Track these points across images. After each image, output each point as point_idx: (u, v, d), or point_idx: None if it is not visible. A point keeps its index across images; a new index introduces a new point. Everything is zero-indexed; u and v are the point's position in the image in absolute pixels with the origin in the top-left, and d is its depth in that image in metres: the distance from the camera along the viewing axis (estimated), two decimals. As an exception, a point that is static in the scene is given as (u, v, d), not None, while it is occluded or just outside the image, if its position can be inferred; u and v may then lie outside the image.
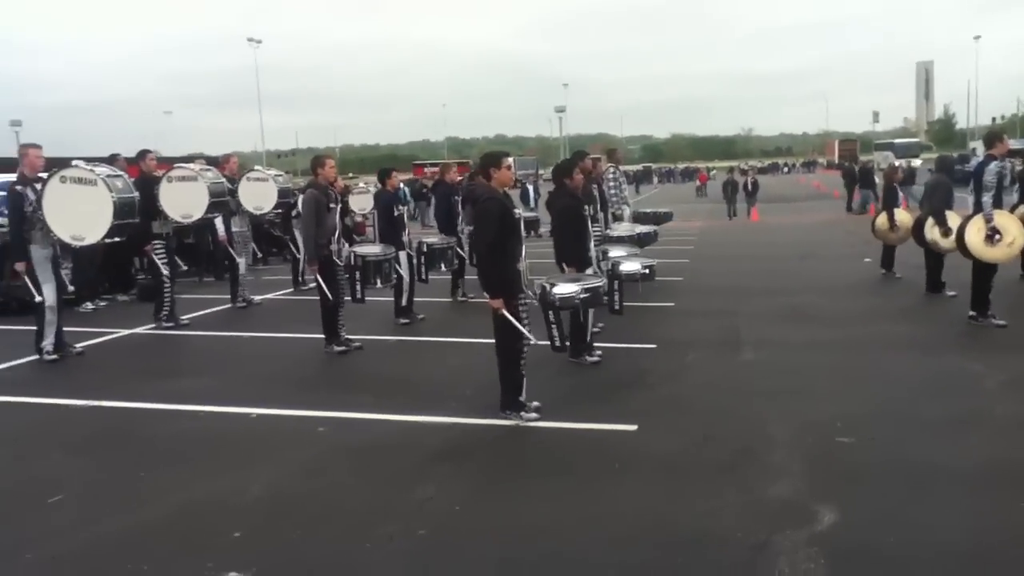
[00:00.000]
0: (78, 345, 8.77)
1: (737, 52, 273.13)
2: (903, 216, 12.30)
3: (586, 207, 7.97)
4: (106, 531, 4.36)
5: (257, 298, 11.78)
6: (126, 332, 9.80)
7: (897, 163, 23.35)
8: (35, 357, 8.36)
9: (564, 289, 6.77)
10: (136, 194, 8.91)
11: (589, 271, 7.76)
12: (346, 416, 6.22)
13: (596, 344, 7.88)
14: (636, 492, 4.75)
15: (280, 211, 13.22)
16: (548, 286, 6.79)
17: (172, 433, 6.09)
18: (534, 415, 6.02)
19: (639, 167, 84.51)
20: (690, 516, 4.38)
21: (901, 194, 12.75)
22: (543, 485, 4.93)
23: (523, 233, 6.22)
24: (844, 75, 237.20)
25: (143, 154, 10.57)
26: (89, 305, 11.46)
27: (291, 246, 13.67)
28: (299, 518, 4.48)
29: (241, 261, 11.66)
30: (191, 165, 10.87)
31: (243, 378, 7.66)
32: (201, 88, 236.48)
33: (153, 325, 9.96)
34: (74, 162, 8.70)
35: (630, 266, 8.52)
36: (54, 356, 8.32)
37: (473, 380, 7.13)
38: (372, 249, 9.34)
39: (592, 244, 8.14)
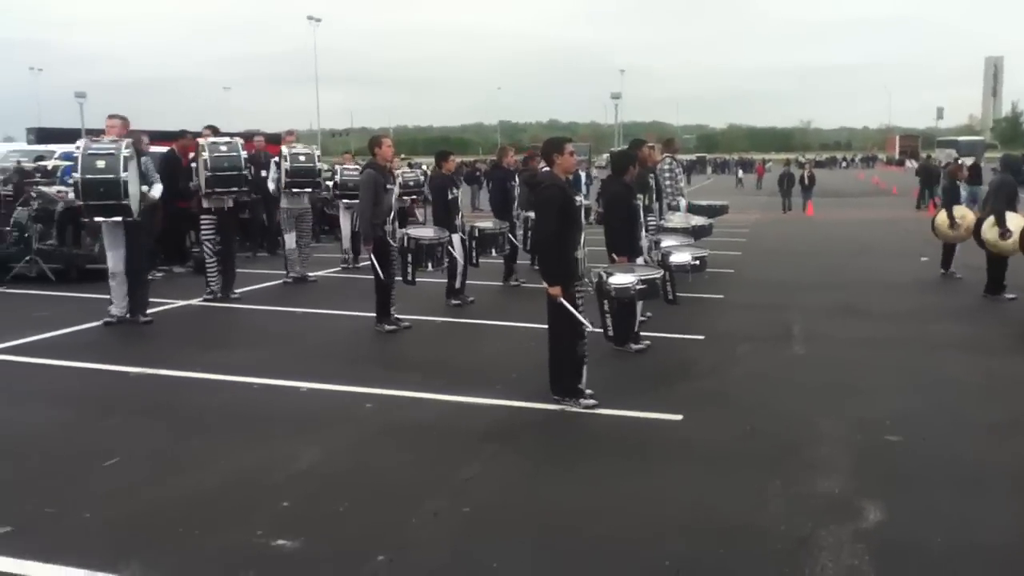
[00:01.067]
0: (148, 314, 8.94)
1: (799, 44, 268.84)
2: (965, 214, 12.02)
3: (638, 196, 7.93)
4: (159, 495, 4.49)
5: (311, 275, 11.90)
6: (182, 303, 10.01)
7: (960, 160, 22.81)
8: (94, 324, 8.60)
9: (621, 280, 6.72)
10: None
11: (640, 261, 7.72)
12: (394, 394, 6.30)
13: (643, 333, 7.86)
14: (680, 481, 4.76)
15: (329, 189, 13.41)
16: (605, 275, 6.76)
17: (224, 403, 6.22)
18: (592, 402, 5.98)
19: (693, 157, 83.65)
20: (734, 507, 4.37)
21: (963, 193, 12.43)
22: (587, 470, 4.95)
23: (583, 221, 6.13)
24: (909, 69, 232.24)
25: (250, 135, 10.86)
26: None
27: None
28: (346, 491, 4.56)
29: (289, 236, 11.84)
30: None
31: (293, 352, 7.79)
32: (260, 66, 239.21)
33: (202, 297, 10.16)
34: (112, 138, 8.86)
35: (680, 256, 8.47)
36: (108, 319, 8.63)
37: (520, 364, 7.18)
38: (426, 232, 9.37)
39: (643, 234, 8.10)
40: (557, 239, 5.94)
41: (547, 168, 6.47)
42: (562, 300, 5.91)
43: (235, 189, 10.06)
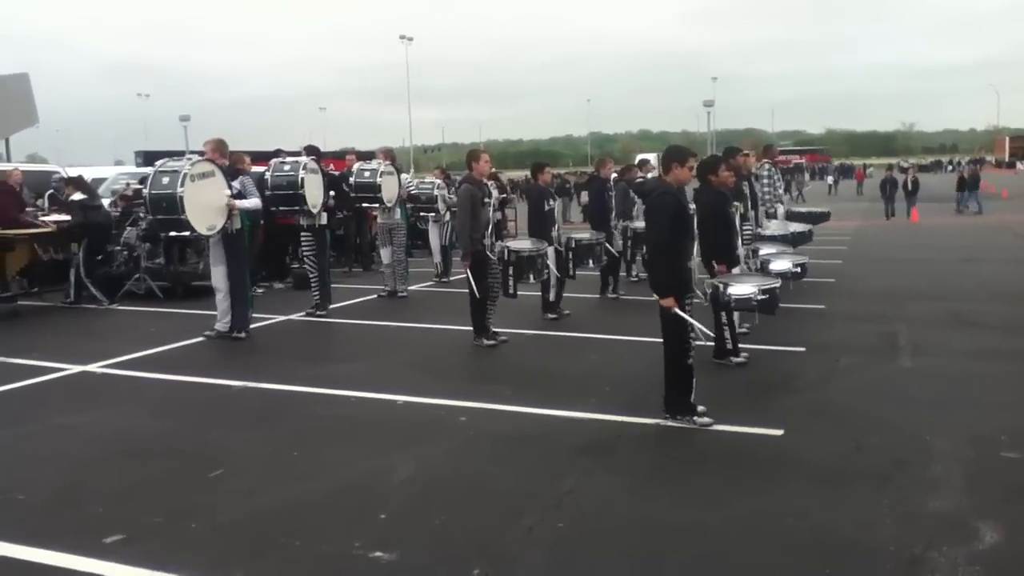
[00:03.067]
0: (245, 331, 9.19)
1: (900, 44, 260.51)
2: None
3: (735, 205, 7.76)
4: (260, 506, 4.59)
5: (401, 290, 12.04)
6: (282, 318, 10.27)
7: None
8: (198, 339, 8.90)
9: (741, 290, 6.51)
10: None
11: (736, 270, 7.56)
12: (488, 407, 6.31)
13: (742, 345, 7.68)
14: (784, 498, 4.61)
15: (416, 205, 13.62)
16: (722, 286, 6.59)
17: (322, 416, 6.33)
18: (707, 420, 5.80)
19: (790, 164, 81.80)
20: (840, 525, 4.21)
21: None
22: (685, 486, 4.86)
23: (695, 230, 5.98)
24: (1018, 68, 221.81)
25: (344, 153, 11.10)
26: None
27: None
28: (441, 504, 4.57)
29: (385, 252, 12.06)
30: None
31: (389, 366, 7.89)
32: (356, 84, 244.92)
33: (306, 312, 10.38)
34: (188, 156, 9.20)
35: (779, 264, 8.25)
36: (208, 332, 8.98)
37: (615, 377, 7.11)
38: (524, 244, 9.37)
39: (740, 242, 7.92)
40: (671, 248, 5.78)
41: (650, 176, 6.40)
42: (677, 311, 5.73)
43: (297, 208, 10.23)
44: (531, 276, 9.05)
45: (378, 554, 3.96)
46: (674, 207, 5.79)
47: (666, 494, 4.74)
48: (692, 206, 5.95)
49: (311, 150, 11.16)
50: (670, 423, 5.83)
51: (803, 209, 14.37)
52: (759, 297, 6.39)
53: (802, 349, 8.03)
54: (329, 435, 5.89)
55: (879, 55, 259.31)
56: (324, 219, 10.41)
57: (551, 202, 10.07)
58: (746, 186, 9.40)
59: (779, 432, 5.61)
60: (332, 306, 10.63)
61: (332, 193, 10.92)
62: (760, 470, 5.07)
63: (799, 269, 8.30)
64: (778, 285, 6.71)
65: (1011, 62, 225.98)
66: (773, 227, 10.76)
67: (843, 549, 3.96)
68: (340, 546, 4.07)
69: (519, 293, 9.13)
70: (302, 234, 10.46)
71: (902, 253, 17.17)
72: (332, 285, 10.86)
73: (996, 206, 31.09)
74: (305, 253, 10.52)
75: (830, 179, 52.61)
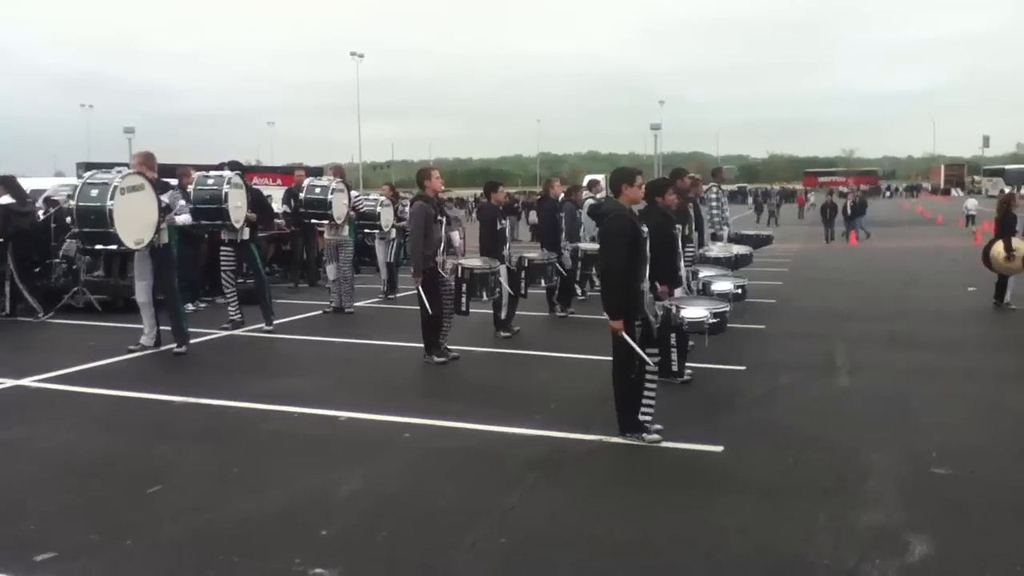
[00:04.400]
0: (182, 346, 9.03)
1: (841, 72, 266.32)
2: (1021, 244, 11.80)
3: (677, 226, 7.85)
4: (200, 523, 4.51)
5: (347, 306, 11.95)
6: (224, 333, 10.13)
7: (1007, 189, 22.45)
8: (139, 354, 8.74)
9: (694, 313, 6.55)
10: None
11: (678, 291, 7.65)
12: (433, 423, 6.29)
13: (686, 363, 7.77)
14: (724, 514, 4.67)
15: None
16: (674, 308, 6.65)
17: (264, 432, 6.26)
18: (656, 437, 5.85)
19: (734, 187, 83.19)
20: (780, 540, 4.29)
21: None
22: (628, 502, 4.90)
23: (647, 253, 5.99)
24: (953, 98, 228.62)
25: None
26: (190, 306, 11.89)
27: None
28: (384, 520, 4.55)
29: (331, 268, 12.02)
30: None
31: (332, 382, 7.84)
32: (306, 99, 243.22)
33: (221, 327, 10.28)
34: (116, 169, 9.08)
35: (721, 286, 8.38)
36: (132, 347, 8.86)
37: (562, 394, 7.16)
38: (476, 262, 9.39)
39: (682, 263, 8.03)
40: (623, 271, 5.80)
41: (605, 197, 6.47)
42: (624, 335, 5.77)
43: (219, 222, 10.09)
44: (483, 294, 9.09)
45: (319, 570, 3.92)
46: (629, 230, 5.82)
47: (610, 510, 4.77)
48: (645, 228, 5.97)
49: (234, 165, 11.02)
50: (613, 439, 5.88)
51: (748, 232, 14.59)
52: (711, 321, 6.43)
53: (743, 368, 8.17)
54: (271, 451, 5.82)
55: (823, 82, 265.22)
56: (246, 234, 10.30)
57: (503, 221, 10.12)
58: (692, 208, 9.57)
59: (719, 449, 5.70)
60: (277, 321, 10.52)
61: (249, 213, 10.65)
62: (702, 486, 5.14)
63: (740, 291, 8.45)
64: (727, 309, 6.78)
65: (948, 91, 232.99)
66: (716, 249, 10.93)
67: (783, 564, 4.04)
68: (281, 563, 4.02)
69: (471, 311, 9.14)
70: (222, 248, 10.38)
71: (841, 275, 17.56)
72: (278, 301, 10.75)
73: (932, 231, 31.98)
74: (223, 268, 10.46)
75: (773, 204, 53.58)
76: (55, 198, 14.08)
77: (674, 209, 7.89)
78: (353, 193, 13.24)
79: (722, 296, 8.15)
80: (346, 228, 12.03)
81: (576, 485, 5.21)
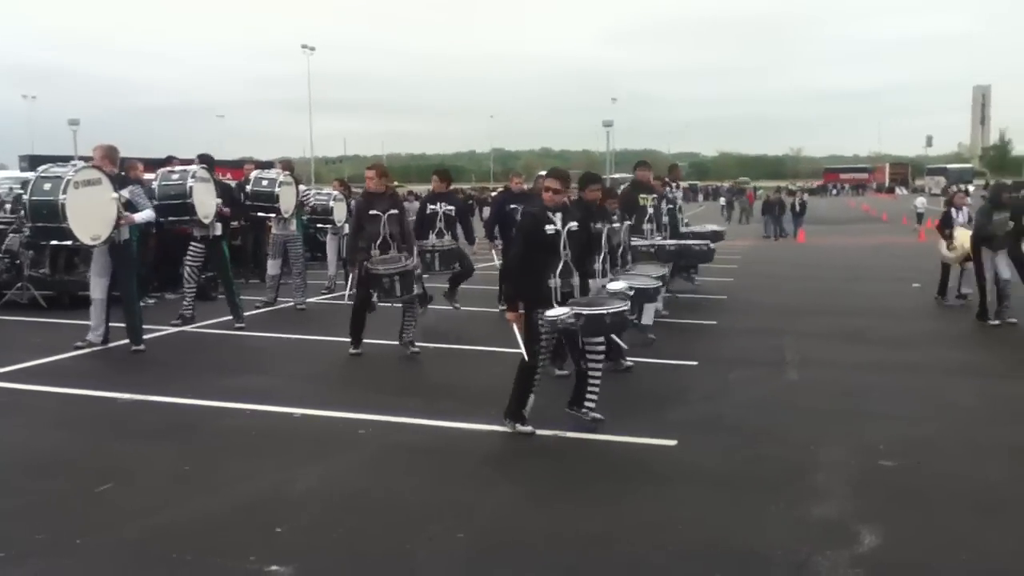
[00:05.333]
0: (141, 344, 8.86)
1: (789, 73, 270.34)
2: (962, 236, 12.09)
3: (599, 224, 7.74)
4: (150, 522, 4.44)
5: (301, 302, 11.81)
6: (174, 330, 9.96)
7: (953, 188, 23.09)
8: (86, 351, 8.56)
9: (552, 312, 6.17)
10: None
11: (596, 283, 7.48)
12: (387, 419, 6.26)
13: (631, 360, 7.82)
14: (677, 507, 4.74)
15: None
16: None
17: (216, 430, 6.19)
18: (528, 429, 5.97)
19: (686, 184, 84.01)
20: (729, 533, 4.35)
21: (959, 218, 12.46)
22: (583, 496, 4.93)
23: (563, 249, 5.98)
24: (897, 97, 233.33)
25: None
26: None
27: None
28: (340, 517, 4.53)
29: (272, 263, 11.90)
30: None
31: (285, 378, 7.76)
32: (255, 93, 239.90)
33: (172, 322, 10.11)
34: (73, 162, 8.88)
35: (615, 285, 8.11)
36: (79, 343, 8.63)
37: (507, 390, 7.17)
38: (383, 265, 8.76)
39: (598, 257, 7.87)
40: (522, 264, 5.98)
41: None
42: (514, 326, 5.95)
43: (187, 218, 9.93)
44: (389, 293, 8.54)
45: (274, 567, 3.89)
46: (530, 228, 5.98)
47: (566, 504, 4.80)
48: (555, 225, 5.96)
49: (204, 158, 10.84)
50: (569, 435, 5.92)
51: (694, 229, 14.64)
52: (567, 320, 5.90)
53: (694, 363, 8.26)
54: (224, 449, 5.75)
55: (776, 82, 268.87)
56: (218, 230, 10.15)
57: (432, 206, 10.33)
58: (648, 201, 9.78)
59: (672, 443, 5.76)
60: (226, 318, 10.36)
61: (219, 202, 10.50)
62: (656, 479, 5.20)
63: (632, 291, 8.10)
64: (607, 311, 6.08)
65: (894, 91, 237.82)
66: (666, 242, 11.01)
67: (737, 555, 4.10)
68: (236, 560, 3.98)
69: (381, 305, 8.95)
70: (192, 244, 10.18)
71: (790, 271, 17.85)
72: (220, 296, 10.60)
73: (877, 228, 32.64)
74: (189, 263, 10.23)
75: (722, 200, 54.30)
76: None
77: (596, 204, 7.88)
78: (301, 187, 13.11)
79: (615, 295, 7.95)
80: (294, 223, 11.88)
81: (532, 479, 5.24)
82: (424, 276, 9.36)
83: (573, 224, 6.02)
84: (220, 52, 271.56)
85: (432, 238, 10.02)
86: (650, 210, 10.72)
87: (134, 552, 4.10)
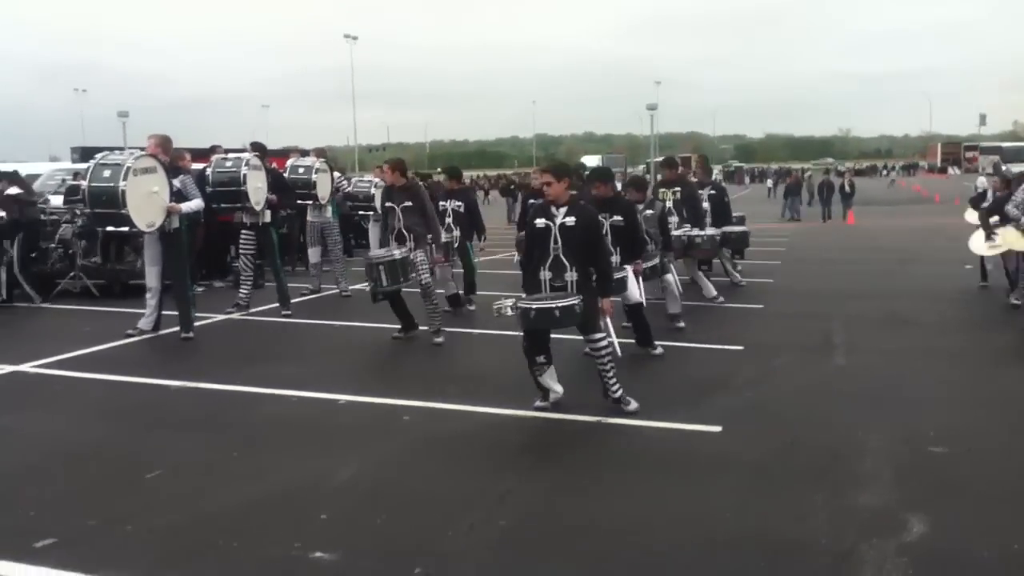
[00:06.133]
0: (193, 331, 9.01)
1: (838, 52, 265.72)
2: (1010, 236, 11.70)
3: (602, 216, 7.68)
4: (199, 508, 4.52)
5: (345, 288, 11.91)
6: (221, 317, 10.11)
7: (1005, 168, 22.40)
8: (136, 339, 8.73)
9: (502, 301, 6.36)
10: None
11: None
12: (430, 406, 6.30)
13: (680, 344, 7.77)
14: (722, 494, 4.68)
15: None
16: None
17: (263, 416, 6.27)
18: (539, 403, 6.19)
19: (731, 166, 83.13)
20: (777, 521, 4.30)
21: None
22: (625, 483, 4.91)
23: (553, 243, 6.04)
24: (950, 76, 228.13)
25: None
26: (188, 291, 11.88)
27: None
28: (383, 503, 4.56)
29: (313, 251, 12.02)
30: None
31: (330, 365, 7.85)
32: (300, 83, 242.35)
33: (226, 311, 10.26)
34: (130, 149, 9.04)
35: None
36: (130, 331, 8.81)
37: (559, 376, 7.15)
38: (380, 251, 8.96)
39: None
40: (523, 254, 6.46)
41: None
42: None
43: (239, 205, 10.10)
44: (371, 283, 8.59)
45: (319, 554, 3.94)
46: (529, 217, 6.45)
47: (607, 491, 4.78)
48: (542, 221, 6.11)
49: (256, 147, 10.99)
50: (611, 420, 5.90)
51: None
52: (506, 311, 6.19)
53: (740, 348, 8.17)
54: (270, 435, 5.83)
55: (821, 62, 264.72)
56: (268, 217, 10.28)
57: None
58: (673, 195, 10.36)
59: (717, 429, 5.71)
60: (272, 305, 10.49)
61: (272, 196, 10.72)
62: (698, 467, 5.15)
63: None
64: (551, 305, 6.00)
65: (945, 70, 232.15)
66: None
67: (780, 544, 4.04)
68: (281, 547, 4.03)
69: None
70: (243, 232, 10.31)
71: (839, 254, 17.57)
72: (272, 283, 10.72)
73: (929, 209, 31.95)
74: (243, 251, 10.36)
75: (769, 183, 53.57)
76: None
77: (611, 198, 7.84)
78: (336, 175, 13.21)
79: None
80: (329, 209, 11.97)
81: (573, 466, 5.22)
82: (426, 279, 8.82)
83: (569, 220, 6.06)
84: (264, 43, 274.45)
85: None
86: (669, 204, 10.61)
87: (182, 538, 4.17)
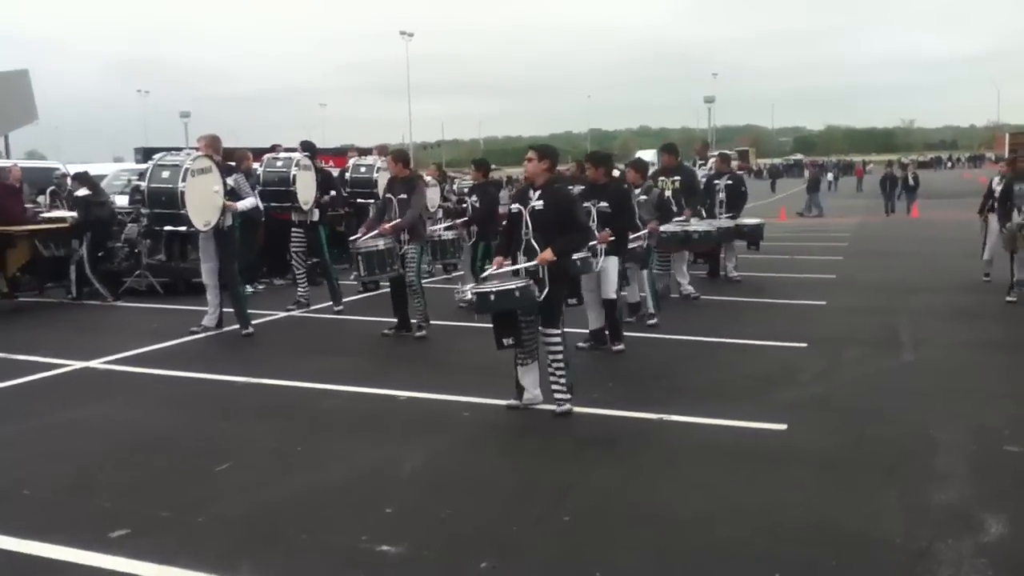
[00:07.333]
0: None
1: (900, 37, 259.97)
2: None
3: (588, 202, 7.75)
4: (267, 500, 4.59)
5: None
6: (282, 314, 10.26)
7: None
8: (201, 336, 8.90)
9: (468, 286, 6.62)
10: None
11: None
12: (490, 402, 6.30)
13: (738, 341, 7.68)
14: (790, 490, 4.61)
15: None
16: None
17: (326, 411, 6.34)
18: (511, 401, 6.15)
19: (791, 159, 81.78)
20: (846, 518, 4.21)
21: None
22: (688, 477, 4.86)
23: (524, 228, 6.03)
24: (1019, 62, 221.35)
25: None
26: (249, 288, 12.06)
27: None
28: (447, 497, 4.58)
29: None
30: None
31: (391, 361, 7.92)
32: (357, 80, 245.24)
33: (286, 308, 10.43)
34: (187, 150, 9.23)
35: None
36: (194, 328, 9.00)
37: (620, 372, 7.12)
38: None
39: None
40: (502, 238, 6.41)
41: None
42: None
43: (288, 204, 10.26)
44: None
45: (385, 547, 3.96)
46: (510, 203, 6.40)
47: (670, 486, 4.74)
48: (516, 206, 6.13)
49: (306, 146, 11.13)
50: (673, 418, 5.83)
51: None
52: (465, 298, 6.31)
53: (804, 344, 8.03)
54: (333, 430, 5.89)
55: (880, 47, 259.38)
56: (316, 215, 10.41)
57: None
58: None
59: (783, 427, 5.61)
60: (328, 303, 10.60)
61: (332, 192, 10.90)
62: (764, 462, 5.07)
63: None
64: (500, 288, 5.99)
65: (1010, 53, 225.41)
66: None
67: (850, 541, 3.96)
68: (348, 539, 4.07)
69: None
70: (292, 230, 10.49)
71: (903, 248, 17.19)
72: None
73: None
74: (294, 249, 10.54)
75: (829, 176, 52.50)
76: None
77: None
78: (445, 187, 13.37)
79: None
80: None
81: (636, 461, 5.17)
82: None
83: (539, 204, 6.02)
84: (320, 40, 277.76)
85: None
86: (668, 193, 10.53)
87: (252, 529, 4.24)
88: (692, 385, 6.26)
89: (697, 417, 5.83)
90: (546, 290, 5.96)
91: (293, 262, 10.62)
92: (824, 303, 10.46)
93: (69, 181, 13.44)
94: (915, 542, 3.90)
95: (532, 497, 4.56)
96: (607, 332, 7.90)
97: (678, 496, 4.59)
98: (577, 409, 6.09)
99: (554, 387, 6.06)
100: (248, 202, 9.29)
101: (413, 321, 8.89)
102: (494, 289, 5.90)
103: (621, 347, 7.84)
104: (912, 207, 28.01)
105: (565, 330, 6.12)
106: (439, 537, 4.11)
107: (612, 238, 7.62)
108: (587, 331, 7.93)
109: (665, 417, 5.87)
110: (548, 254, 5.93)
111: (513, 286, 5.88)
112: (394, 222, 8.61)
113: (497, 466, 5.12)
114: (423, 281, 9.02)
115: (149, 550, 3.94)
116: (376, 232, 8.67)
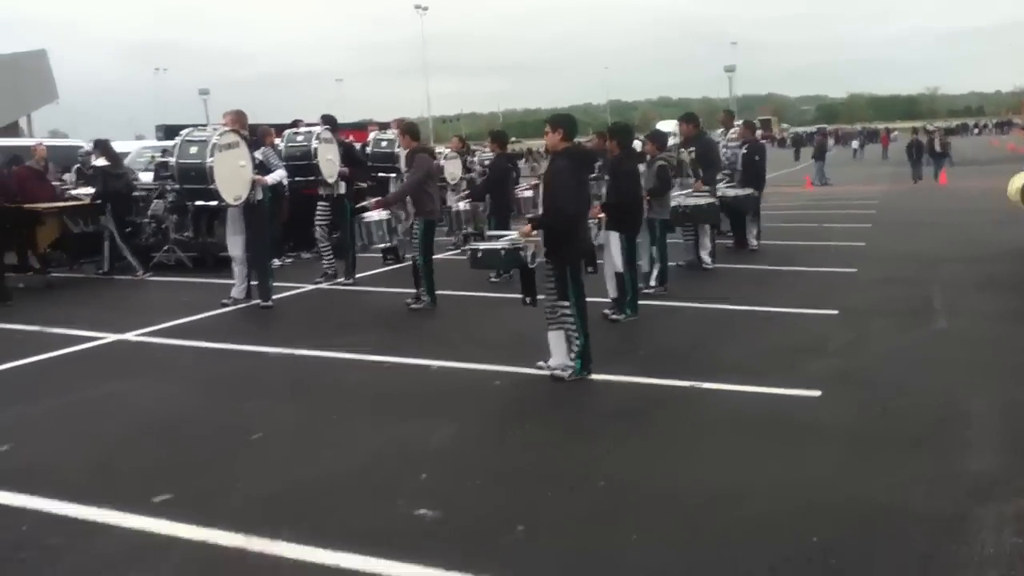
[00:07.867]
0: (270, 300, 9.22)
1: (924, 7, 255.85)
2: None
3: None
4: (303, 467, 4.64)
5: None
6: (310, 287, 10.32)
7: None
8: (230, 308, 8.98)
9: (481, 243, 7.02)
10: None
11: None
12: (521, 372, 6.32)
13: (764, 308, 7.67)
14: (821, 460, 4.60)
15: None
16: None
17: (359, 381, 6.39)
18: (540, 363, 6.25)
19: (813, 128, 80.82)
20: (881, 487, 4.20)
21: None
22: (721, 447, 4.86)
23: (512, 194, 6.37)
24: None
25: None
26: (276, 261, 12.10)
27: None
28: (480, 464, 4.63)
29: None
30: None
31: (419, 332, 7.96)
32: (373, 56, 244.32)
33: (314, 281, 10.51)
34: (214, 125, 9.29)
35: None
36: (224, 300, 9.09)
37: (651, 341, 7.12)
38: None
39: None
40: None
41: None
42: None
43: (312, 178, 10.34)
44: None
45: (422, 511, 4.00)
46: None
47: (703, 455, 4.75)
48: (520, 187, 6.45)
49: (327, 119, 11.13)
50: (705, 385, 5.83)
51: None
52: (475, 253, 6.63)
53: (835, 312, 7.99)
54: (366, 399, 5.94)
55: (901, 19, 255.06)
56: (342, 188, 10.45)
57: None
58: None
59: (816, 394, 5.58)
60: (359, 275, 10.67)
61: (355, 165, 10.96)
62: (796, 432, 5.06)
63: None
64: (480, 248, 6.72)
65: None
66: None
67: (879, 512, 3.93)
68: (384, 504, 4.12)
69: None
70: (319, 203, 10.54)
71: (931, 216, 17.00)
72: (362, 255, 10.88)
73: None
74: (319, 222, 10.62)
75: (855, 144, 51.90)
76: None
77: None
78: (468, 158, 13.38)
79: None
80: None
81: (668, 431, 5.19)
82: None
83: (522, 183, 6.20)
84: (336, 18, 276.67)
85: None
86: (687, 162, 10.59)
87: (290, 494, 4.29)
88: (724, 353, 6.24)
89: (730, 384, 5.84)
90: (538, 259, 6.20)
91: (317, 235, 10.67)
92: (855, 271, 10.37)
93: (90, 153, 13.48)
94: (952, 508, 3.88)
95: (565, 466, 4.59)
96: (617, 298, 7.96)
97: (711, 465, 4.59)
98: (609, 377, 6.10)
99: (570, 353, 6.16)
100: (278, 174, 9.36)
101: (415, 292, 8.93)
102: (483, 247, 6.40)
103: (617, 318, 7.82)
104: (940, 174, 27.65)
105: (588, 300, 6.21)
106: (474, 503, 4.15)
107: (602, 214, 7.62)
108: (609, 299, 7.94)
109: (697, 384, 5.86)
110: (526, 228, 6.29)
111: (499, 246, 6.31)
112: (381, 198, 8.95)
113: (529, 435, 5.14)
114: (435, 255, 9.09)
115: (191, 514, 4.01)
116: (372, 203, 9.04)
